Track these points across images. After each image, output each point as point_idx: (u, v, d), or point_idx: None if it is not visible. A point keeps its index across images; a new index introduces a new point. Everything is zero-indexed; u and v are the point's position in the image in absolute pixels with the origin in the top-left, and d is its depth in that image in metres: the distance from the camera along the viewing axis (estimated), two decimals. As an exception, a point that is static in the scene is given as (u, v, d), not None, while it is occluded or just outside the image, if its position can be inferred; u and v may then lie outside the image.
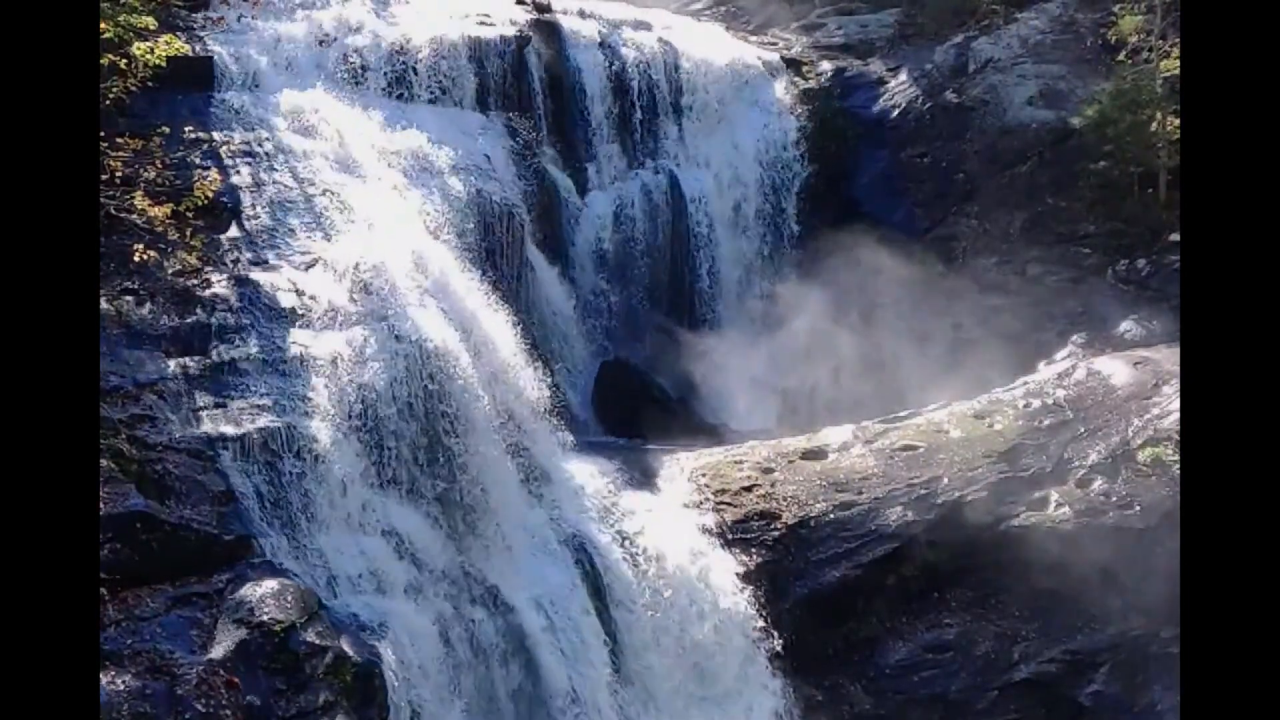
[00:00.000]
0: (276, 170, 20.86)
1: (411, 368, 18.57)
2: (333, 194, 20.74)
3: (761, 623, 20.05)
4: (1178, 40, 25.94)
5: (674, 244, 28.21)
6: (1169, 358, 22.77)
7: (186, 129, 20.57)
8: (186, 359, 17.64)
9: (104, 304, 17.16)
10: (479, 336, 20.02)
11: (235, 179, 20.45)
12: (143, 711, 14.48)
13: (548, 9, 27.85)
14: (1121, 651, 19.99)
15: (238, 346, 17.96)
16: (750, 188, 29.17)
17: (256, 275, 18.95)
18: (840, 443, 22.45)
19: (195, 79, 22.00)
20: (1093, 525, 20.67)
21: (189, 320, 18.08)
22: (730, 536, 20.68)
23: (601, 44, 27.89)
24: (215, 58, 22.57)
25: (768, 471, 21.76)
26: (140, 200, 18.61)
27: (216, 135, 21.15)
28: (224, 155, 20.85)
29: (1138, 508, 20.75)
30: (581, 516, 20.31)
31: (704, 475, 21.69)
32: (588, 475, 21.04)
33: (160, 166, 19.35)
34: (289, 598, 15.92)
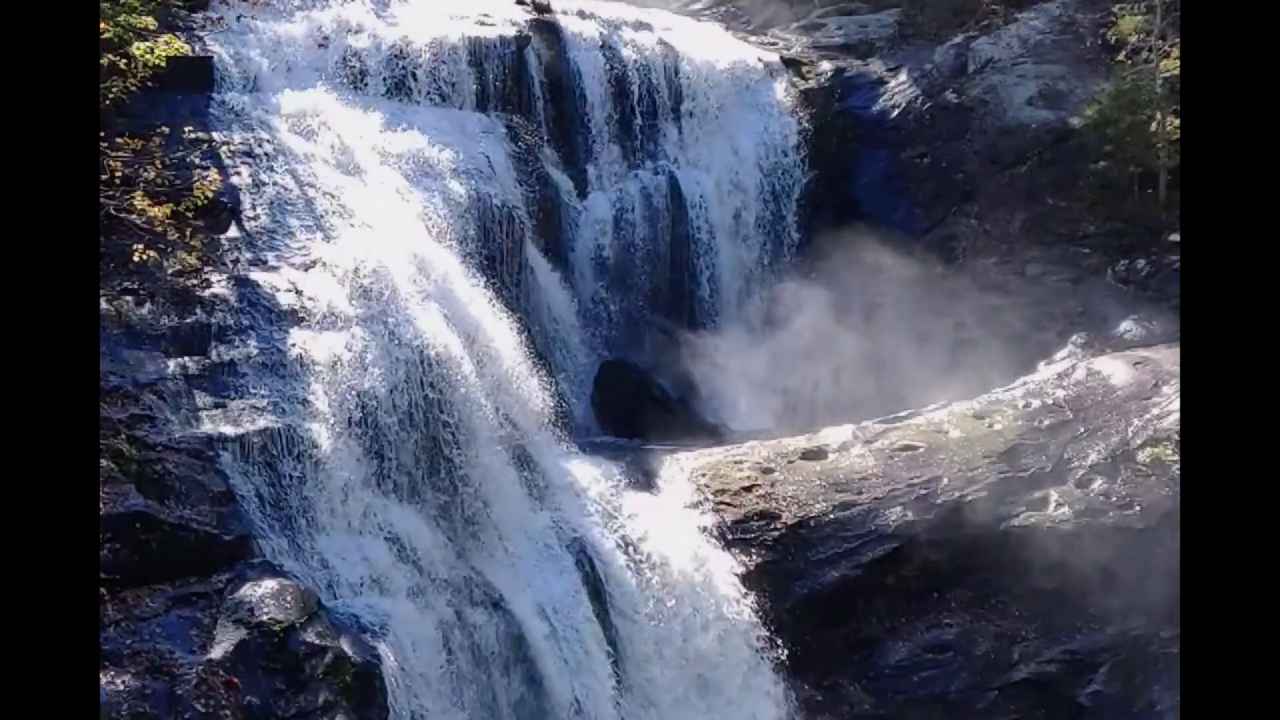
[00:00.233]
0: (276, 171, 20.85)
1: (412, 375, 18.54)
2: (332, 195, 20.73)
3: (765, 631, 20.02)
4: (1178, 40, 25.94)
5: (674, 245, 28.20)
6: (1169, 358, 22.77)
7: (186, 129, 20.53)
8: (186, 359, 17.63)
9: (104, 304, 17.15)
10: (482, 343, 19.96)
11: (235, 179, 20.45)
12: (142, 711, 14.47)
13: (548, 9, 27.84)
14: (1121, 651, 19.99)
15: (237, 347, 17.95)
16: (750, 194, 29.13)
17: (256, 275, 18.94)
18: (840, 443, 22.45)
19: (195, 79, 21.99)
20: (1093, 525, 20.67)
21: (189, 320, 18.08)
22: (730, 537, 20.67)
23: (601, 44, 27.88)
24: (215, 58, 22.56)
25: (767, 471, 21.75)
26: (140, 200, 18.59)
27: (216, 135, 21.14)
28: (224, 155, 20.84)
29: (1138, 508, 20.75)
30: (585, 521, 20.24)
31: (704, 475, 21.68)
32: (590, 478, 20.99)
33: (160, 166, 19.34)
34: (289, 598, 15.92)
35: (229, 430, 17.06)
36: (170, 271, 18.42)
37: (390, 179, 21.87)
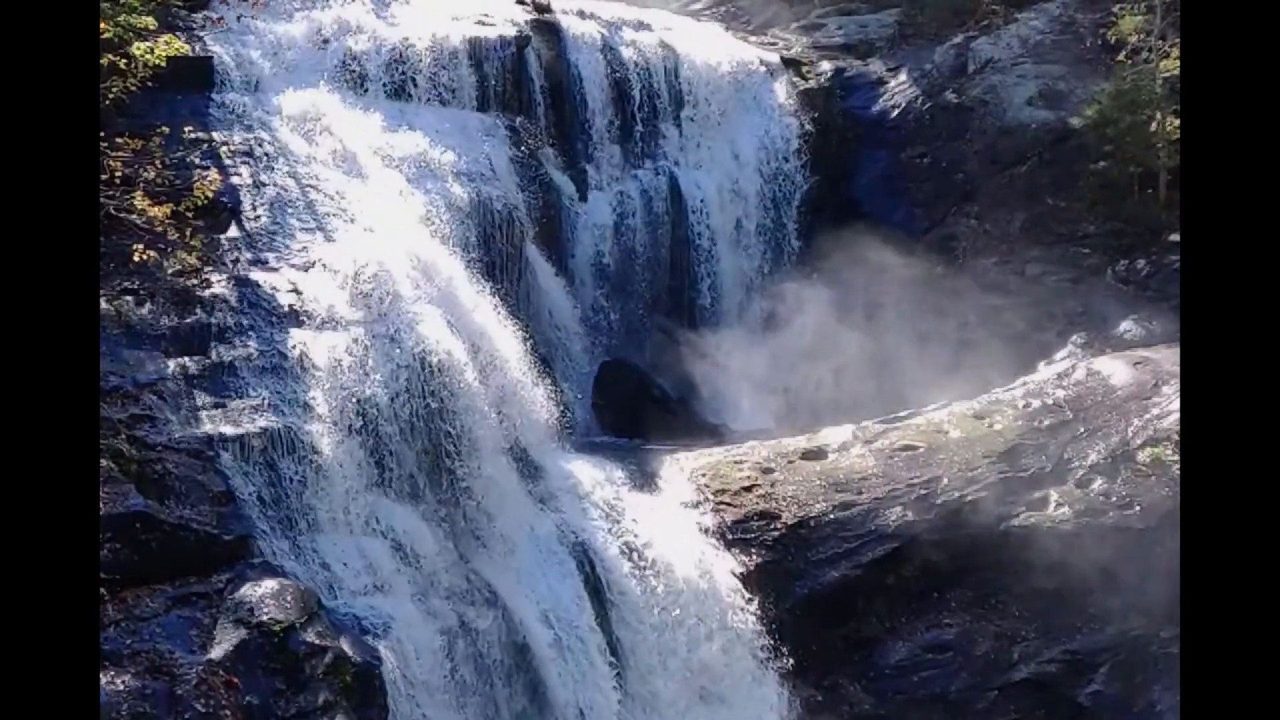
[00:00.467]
0: (276, 171, 20.85)
1: (413, 383, 18.41)
2: (333, 195, 20.72)
3: (770, 640, 19.99)
4: (1178, 40, 25.94)
5: (674, 247, 28.18)
6: (1169, 358, 22.77)
7: (186, 129, 20.55)
8: (186, 359, 17.62)
9: (104, 304, 17.14)
10: (486, 351, 19.80)
11: (235, 179, 20.45)
12: (142, 711, 14.46)
13: (548, 9, 27.84)
14: (1121, 651, 19.99)
15: (237, 347, 17.94)
16: (751, 201, 29.08)
17: (256, 275, 18.93)
18: (840, 443, 22.44)
19: (195, 79, 21.99)
20: (1093, 525, 20.67)
21: (189, 320, 18.07)
22: (730, 537, 20.67)
23: (602, 45, 27.87)
24: (215, 58, 22.57)
25: (767, 471, 21.75)
26: (140, 200, 18.59)
27: (216, 135, 21.14)
28: (224, 155, 20.85)
29: (1138, 508, 20.75)
30: (587, 524, 20.08)
31: (704, 475, 21.68)
32: (592, 481, 20.86)
33: (160, 166, 19.35)
34: (289, 598, 15.91)
35: (229, 430, 17.05)
36: (170, 271, 18.42)
37: (391, 179, 21.85)
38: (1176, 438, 20.53)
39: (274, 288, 18.79)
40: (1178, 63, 24.91)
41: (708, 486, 21.43)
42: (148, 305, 17.97)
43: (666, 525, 20.52)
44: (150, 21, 19.90)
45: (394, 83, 24.74)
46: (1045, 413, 22.44)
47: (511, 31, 26.43)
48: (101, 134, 16.75)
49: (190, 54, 21.95)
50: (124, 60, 19.20)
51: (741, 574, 20.27)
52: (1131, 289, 26.24)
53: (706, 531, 20.68)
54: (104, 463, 15.50)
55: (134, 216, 18.47)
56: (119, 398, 16.71)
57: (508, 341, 20.48)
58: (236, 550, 16.46)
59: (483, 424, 19.08)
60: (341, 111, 22.63)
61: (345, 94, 23.45)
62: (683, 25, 31.08)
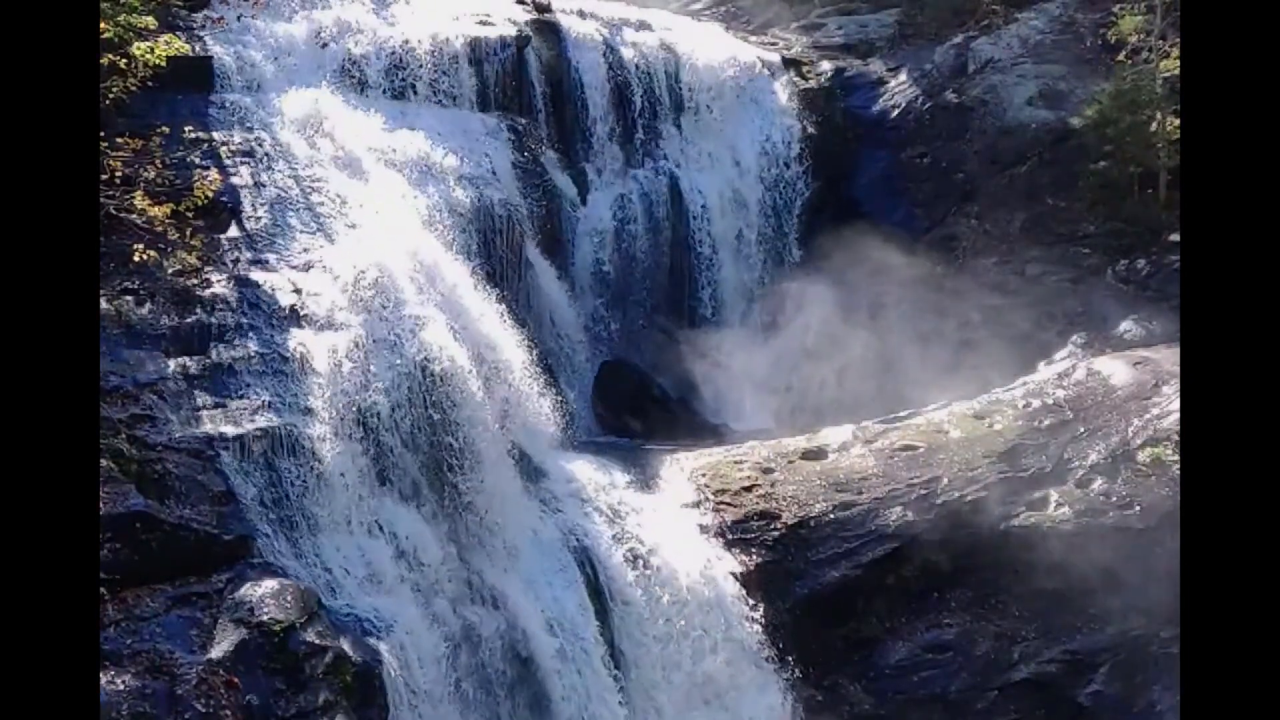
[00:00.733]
0: (276, 170, 20.84)
1: (415, 393, 18.28)
2: (333, 196, 20.70)
3: (775, 650, 19.95)
4: (1178, 40, 25.94)
5: (674, 247, 28.17)
6: (1169, 358, 22.76)
7: (186, 129, 20.54)
8: (186, 359, 17.61)
9: (104, 304, 17.14)
10: (490, 361, 19.64)
11: (235, 179, 20.43)
12: (143, 711, 14.47)
13: (548, 9, 27.83)
14: (1121, 651, 19.99)
15: (238, 346, 17.93)
16: (752, 209, 29.04)
17: (256, 275, 18.92)
18: (840, 443, 22.44)
19: (195, 79, 21.97)
20: (1093, 525, 20.67)
21: (189, 320, 18.06)
22: (730, 537, 20.67)
23: (602, 45, 27.87)
24: (215, 58, 22.56)
25: (768, 471, 21.75)
26: (140, 200, 18.59)
27: (216, 135, 21.13)
28: (224, 155, 20.84)
29: (1138, 508, 20.75)
30: (591, 529, 19.96)
31: (704, 475, 21.68)
32: (595, 486, 20.78)
33: (160, 166, 19.34)
34: (289, 598, 15.91)
35: (229, 430, 17.05)
36: (170, 271, 18.41)
37: (391, 179, 21.83)
38: (1176, 438, 20.53)
39: (274, 287, 18.77)
40: (1178, 63, 24.90)
41: (708, 486, 21.43)
42: (148, 305, 17.97)
43: (670, 530, 20.43)
44: (150, 21, 19.89)
45: (394, 83, 24.74)
46: (1045, 413, 22.44)
47: (511, 32, 26.42)
48: (101, 134, 16.74)
49: (190, 54, 21.93)
50: (124, 60, 19.19)
51: (741, 574, 20.27)
52: (1131, 289, 26.23)
53: (706, 531, 20.67)
54: (104, 463, 15.50)
55: (134, 216, 18.47)
56: (119, 398, 16.70)
57: (513, 350, 20.35)
58: (236, 550, 16.46)
59: (486, 436, 18.90)
60: (342, 112, 22.61)
61: (345, 94, 23.43)
62: (683, 25, 31.06)
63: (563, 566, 19.43)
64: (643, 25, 29.22)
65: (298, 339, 18.13)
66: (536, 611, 18.69)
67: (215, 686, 14.95)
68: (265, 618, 15.62)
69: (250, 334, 18.11)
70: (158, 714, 14.54)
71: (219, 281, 18.65)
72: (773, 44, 32.30)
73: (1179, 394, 19.72)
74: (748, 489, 21.37)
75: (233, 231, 19.66)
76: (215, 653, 15.25)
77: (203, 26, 23.11)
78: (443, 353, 18.66)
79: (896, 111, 30.20)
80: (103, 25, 17.90)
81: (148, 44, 19.62)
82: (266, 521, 16.89)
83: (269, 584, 16.02)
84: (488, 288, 21.05)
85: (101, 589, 14.52)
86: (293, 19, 24.47)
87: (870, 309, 26.82)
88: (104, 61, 18.09)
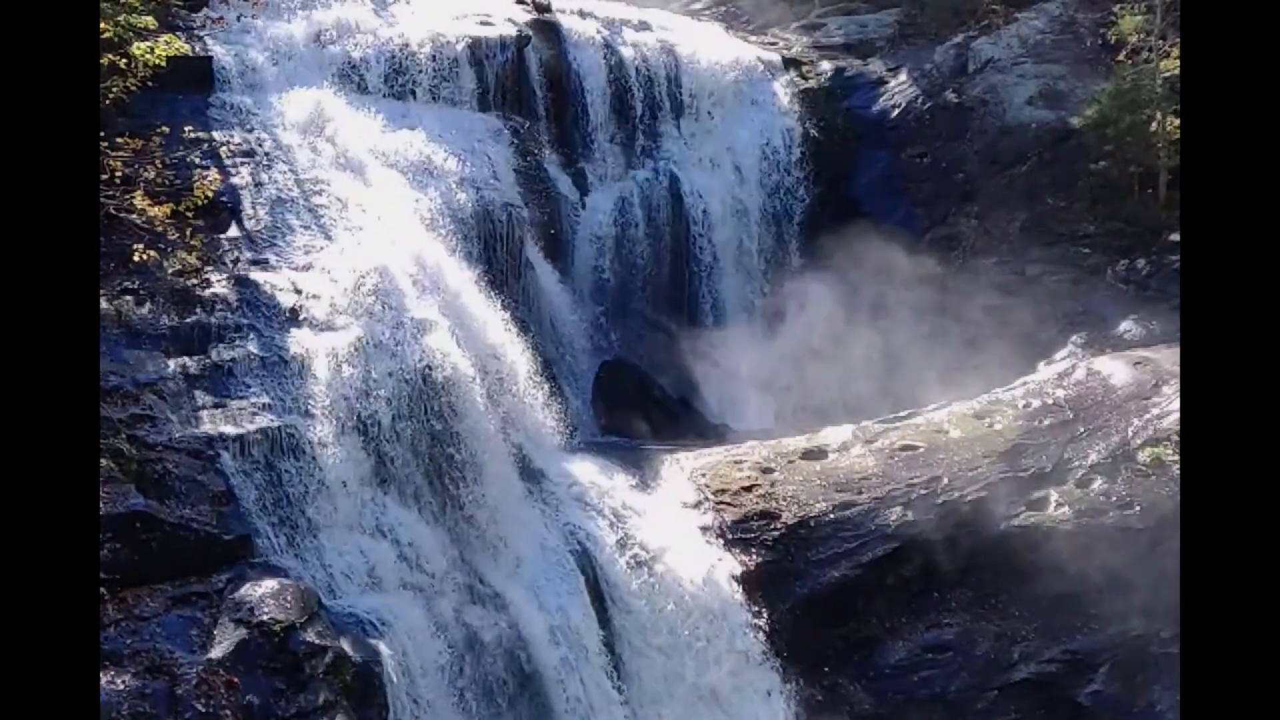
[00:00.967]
0: (276, 170, 20.85)
1: (415, 401, 18.14)
2: (333, 195, 20.70)
3: (775, 652, 19.91)
4: (1178, 40, 25.94)
5: (674, 245, 28.17)
6: (1169, 358, 22.76)
7: (186, 129, 20.55)
8: (186, 359, 17.61)
9: (104, 304, 17.14)
10: (494, 372, 19.51)
11: (235, 179, 20.44)
12: (143, 711, 14.46)
13: (548, 9, 27.84)
14: (1121, 651, 19.98)
15: (238, 346, 17.93)
16: (753, 218, 29.05)
17: (256, 275, 18.91)
18: (840, 443, 22.44)
19: (195, 79, 22.00)
20: (1093, 525, 20.67)
21: (189, 320, 18.06)
22: (730, 537, 20.66)
23: (602, 44, 27.87)
24: (215, 58, 22.57)
25: (767, 471, 21.75)
26: (140, 200, 18.60)
27: (216, 135, 21.14)
28: (224, 155, 20.84)
29: (1138, 508, 20.75)
30: (594, 533, 19.88)
31: (704, 475, 21.67)
32: (599, 492, 20.69)
33: (160, 166, 19.35)
34: (289, 598, 15.90)
35: (229, 430, 17.04)
36: (170, 271, 18.42)
37: (391, 180, 21.84)
38: (1176, 438, 20.54)
39: (274, 287, 18.77)
40: (1178, 63, 24.91)
41: (708, 486, 21.43)
42: (148, 305, 17.97)
43: (672, 533, 20.34)
44: (150, 21, 19.90)
45: (394, 83, 24.75)
46: (1045, 412, 22.45)
47: (511, 31, 26.43)
48: (101, 134, 16.74)
49: (190, 54, 21.96)
50: (124, 60, 19.20)
51: (742, 574, 20.25)
52: (1131, 289, 26.23)
53: (707, 532, 20.66)
54: (104, 463, 15.50)
55: (134, 216, 18.47)
56: (119, 398, 16.70)
57: (517, 357, 20.27)
58: (236, 550, 16.46)
59: (489, 448, 18.79)
60: (342, 111, 22.62)
61: (346, 94, 23.44)
62: (683, 25, 31.09)
63: (566, 574, 19.35)
64: (643, 25, 29.24)
65: (298, 340, 18.13)
66: (540, 620, 18.60)
67: (215, 686, 14.95)
68: (265, 618, 15.61)
69: (250, 334, 18.11)
70: (158, 714, 14.54)
71: (219, 281, 18.65)
72: (773, 44, 32.32)
73: (1179, 394, 19.72)
74: (748, 489, 21.37)
75: (233, 231, 19.67)
76: (215, 653, 15.25)
77: (203, 26, 23.14)
78: (445, 359, 18.57)
79: (896, 111, 30.21)
80: (103, 25, 17.91)
81: (148, 44, 19.63)
82: (266, 521, 16.88)
83: (269, 584, 16.01)
84: (491, 293, 20.97)
85: (101, 589, 14.51)
86: (293, 19, 24.49)
87: (872, 308, 26.84)
88: (104, 61, 18.10)
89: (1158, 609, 19.51)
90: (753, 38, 32.64)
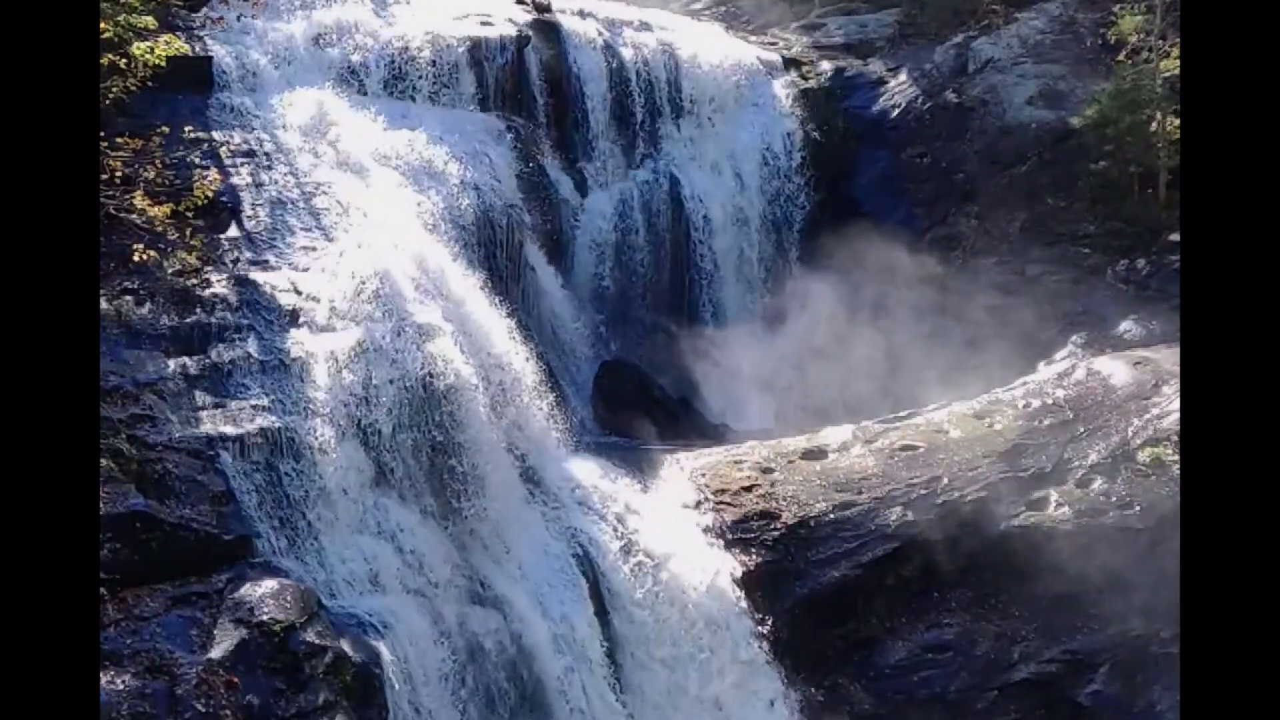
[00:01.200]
0: (276, 170, 20.85)
1: (416, 410, 18.04)
2: (333, 196, 20.69)
3: (784, 671, 19.88)
4: (1178, 40, 25.94)
5: (675, 253, 28.15)
6: (1169, 358, 22.76)
7: (186, 129, 20.55)
8: (186, 359, 17.60)
9: (104, 304, 17.14)
10: (498, 382, 19.39)
11: (235, 179, 20.45)
12: (142, 711, 14.46)
13: (548, 9, 27.83)
14: (1121, 651, 19.97)
15: (238, 346, 17.93)
16: (753, 226, 29.03)
17: (256, 275, 18.91)
18: (840, 443, 22.43)
19: (195, 79, 22.02)
20: (1093, 525, 20.66)
21: (189, 320, 18.05)
22: (730, 537, 20.65)
23: (602, 45, 27.86)
24: (215, 58, 22.57)
25: (767, 471, 21.74)
26: (140, 200, 18.61)
27: (216, 135, 21.15)
28: (224, 155, 20.85)
29: (1138, 508, 20.74)
30: (597, 539, 19.79)
31: (704, 475, 21.66)
32: (602, 496, 20.60)
33: (160, 166, 19.35)
34: (289, 598, 15.90)
35: (229, 430, 17.04)
36: (170, 271, 18.42)
37: (391, 180, 21.82)
38: (1176, 438, 20.53)
39: (274, 287, 18.77)
40: (1178, 63, 24.91)
41: (708, 486, 21.42)
42: (148, 305, 17.97)
43: (675, 538, 20.24)
44: (150, 21, 19.90)
45: (394, 83, 24.75)
46: (1045, 412, 22.44)
47: (511, 31, 26.42)
48: (101, 134, 16.75)
49: (190, 54, 21.98)
50: (124, 60, 19.20)
51: (742, 575, 20.23)
52: (1131, 289, 26.23)
53: (708, 532, 20.64)
54: (104, 463, 15.50)
55: (134, 216, 18.48)
56: (119, 398, 16.70)
57: (522, 366, 20.17)
58: (236, 550, 16.45)
59: (493, 459, 18.69)
60: (342, 112, 22.62)
61: (346, 94, 23.43)
62: (683, 25, 31.08)
63: (569, 582, 19.24)
64: (643, 25, 29.23)
65: (297, 339, 18.12)
66: (544, 629, 18.50)
67: (215, 686, 14.94)
68: (265, 618, 15.61)
69: (250, 334, 18.11)
70: (158, 714, 14.53)
71: (219, 281, 18.65)
72: (773, 44, 32.33)
73: (1179, 394, 19.72)
74: (748, 489, 21.36)
75: (233, 231, 19.67)
76: (215, 653, 15.24)
77: (203, 26, 23.16)
78: (448, 367, 18.47)
79: (896, 111, 30.22)
80: (103, 25, 17.92)
81: (148, 44, 19.63)
82: (266, 521, 16.87)
83: (269, 584, 16.01)
84: (496, 300, 20.83)
85: (101, 589, 14.51)
86: (293, 19, 24.48)
87: (872, 308, 26.83)
88: (104, 61, 18.10)
89: (1158, 609, 19.51)
90: (753, 38, 32.65)
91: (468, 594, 18.16)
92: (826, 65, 31.19)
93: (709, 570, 20.09)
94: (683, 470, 21.81)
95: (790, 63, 30.91)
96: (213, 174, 20.06)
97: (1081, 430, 21.95)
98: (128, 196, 18.58)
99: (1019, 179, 28.71)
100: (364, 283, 18.86)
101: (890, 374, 25.48)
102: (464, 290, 20.17)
